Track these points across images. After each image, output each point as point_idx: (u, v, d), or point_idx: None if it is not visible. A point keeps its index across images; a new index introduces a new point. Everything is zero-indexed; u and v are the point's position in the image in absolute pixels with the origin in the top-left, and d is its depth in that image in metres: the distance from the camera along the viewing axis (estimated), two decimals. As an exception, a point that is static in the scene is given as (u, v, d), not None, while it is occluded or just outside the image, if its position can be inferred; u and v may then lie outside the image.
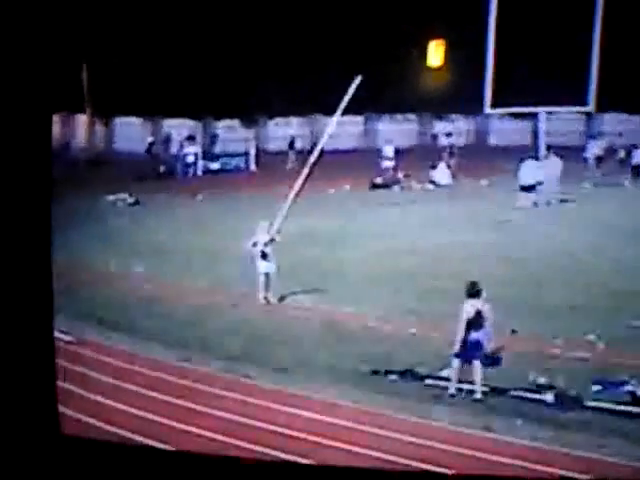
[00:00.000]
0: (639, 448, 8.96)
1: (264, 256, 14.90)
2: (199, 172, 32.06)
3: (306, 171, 16.26)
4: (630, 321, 12.82)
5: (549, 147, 25.66)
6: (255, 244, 14.95)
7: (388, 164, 28.80)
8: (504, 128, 36.42)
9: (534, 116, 27.88)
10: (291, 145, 32.20)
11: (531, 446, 9.33)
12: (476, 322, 10.79)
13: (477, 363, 10.74)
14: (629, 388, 10.48)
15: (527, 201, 23.29)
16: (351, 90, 15.52)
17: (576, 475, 8.75)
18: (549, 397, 10.46)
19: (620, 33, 26.86)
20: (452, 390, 10.84)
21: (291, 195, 15.78)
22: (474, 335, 10.80)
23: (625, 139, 29.57)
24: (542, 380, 10.89)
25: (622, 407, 10.11)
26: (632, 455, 8.90)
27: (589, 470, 8.83)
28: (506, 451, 9.21)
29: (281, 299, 14.96)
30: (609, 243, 18.37)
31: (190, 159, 31.61)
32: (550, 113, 27.53)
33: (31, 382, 6.32)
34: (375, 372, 11.41)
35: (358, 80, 15.46)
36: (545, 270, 16.42)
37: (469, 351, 10.78)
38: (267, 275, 14.88)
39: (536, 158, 24.82)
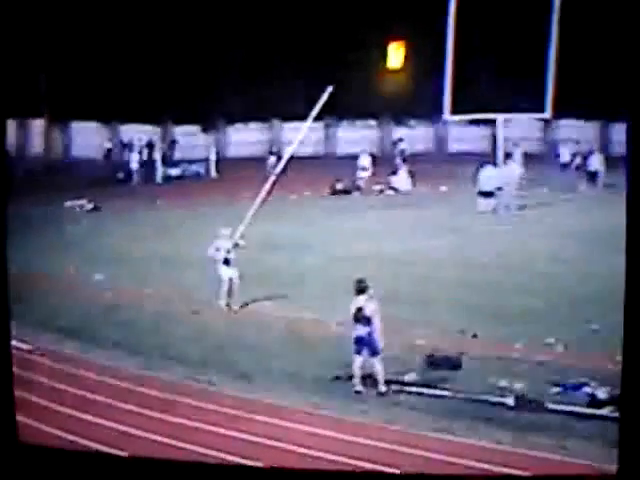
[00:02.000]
0: (599, 448, 9.06)
1: (227, 262, 14.82)
2: (158, 179, 31.82)
3: (273, 177, 16.28)
4: (588, 324, 12.99)
5: (508, 154, 25.95)
6: (218, 249, 14.86)
7: (364, 174, 28.18)
8: (463, 135, 36.74)
9: (493, 122, 28.13)
10: (271, 151, 31.70)
11: (492, 448, 9.40)
12: (360, 318, 11.01)
13: (371, 359, 10.98)
14: (588, 390, 10.61)
15: (486, 207, 23.53)
16: (322, 100, 15.49)
17: (537, 475, 8.83)
18: (510, 400, 10.54)
19: (577, 40, 27.31)
20: (358, 387, 10.99)
21: (258, 200, 15.72)
22: (361, 331, 11.00)
23: (581, 146, 29.98)
24: (503, 383, 10.99)
25: (581, 409, 10.23)
26: (592, 456, 9.00)
27: (550, 471, 8.92)
28: (468, 453, 9.26)
29: (243, 306, 14.90)
30: (566, 248, 18.61)
31: (134, 166, 31.31)
32: (509, 120, 27.84)
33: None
34: (337, 378, 11.41)
35: (329, 90, 15.44)
36: (504, 275, 16.57)
37: (359, 346, 11.01)
38: (230, 281, 14.80)
39: (495, 164, 25.08)
